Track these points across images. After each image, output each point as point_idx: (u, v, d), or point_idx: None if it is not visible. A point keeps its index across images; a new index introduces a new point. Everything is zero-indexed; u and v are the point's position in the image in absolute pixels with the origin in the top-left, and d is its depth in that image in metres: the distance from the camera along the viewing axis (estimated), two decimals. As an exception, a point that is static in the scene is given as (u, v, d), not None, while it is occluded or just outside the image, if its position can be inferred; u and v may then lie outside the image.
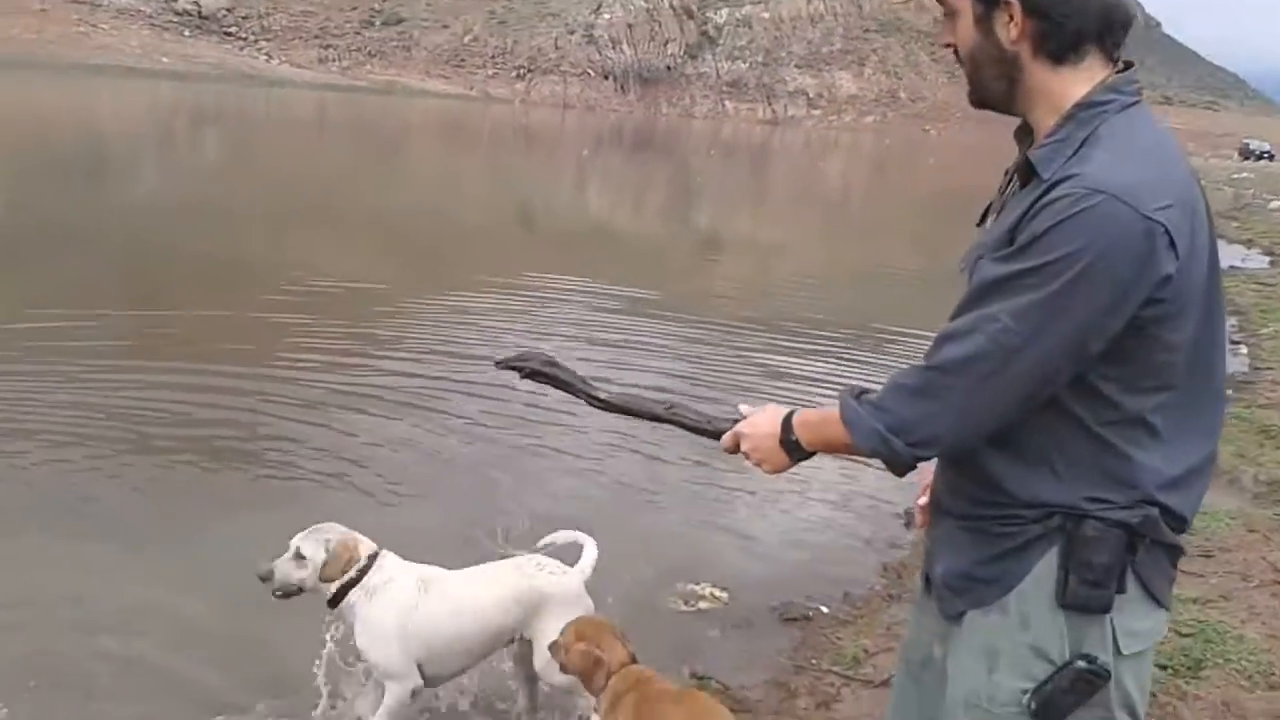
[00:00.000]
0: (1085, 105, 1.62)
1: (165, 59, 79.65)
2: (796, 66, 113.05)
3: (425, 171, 30.18)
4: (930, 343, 1.67)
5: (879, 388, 1.72)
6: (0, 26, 76.12)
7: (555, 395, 7.01)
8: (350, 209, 17.79)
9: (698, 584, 4.58)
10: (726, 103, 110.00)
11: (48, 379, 6.78)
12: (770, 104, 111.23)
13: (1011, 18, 1.63)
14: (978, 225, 1.85)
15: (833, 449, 1.81)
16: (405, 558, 3.35)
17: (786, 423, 1.82)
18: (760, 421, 1.86)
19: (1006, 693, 1.68)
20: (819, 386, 8.10)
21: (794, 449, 1.82)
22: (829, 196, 36.31)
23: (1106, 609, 1.62)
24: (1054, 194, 1.53)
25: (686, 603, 4.49)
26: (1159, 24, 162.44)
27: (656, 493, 5.93)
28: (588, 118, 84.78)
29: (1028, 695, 1.66)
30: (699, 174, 37.69)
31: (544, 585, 3.31)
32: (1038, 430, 1.63)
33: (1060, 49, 1.63)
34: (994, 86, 1.72)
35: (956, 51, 1.75)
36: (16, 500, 5.05)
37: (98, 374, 6.95)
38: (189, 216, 15.23)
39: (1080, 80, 1.64)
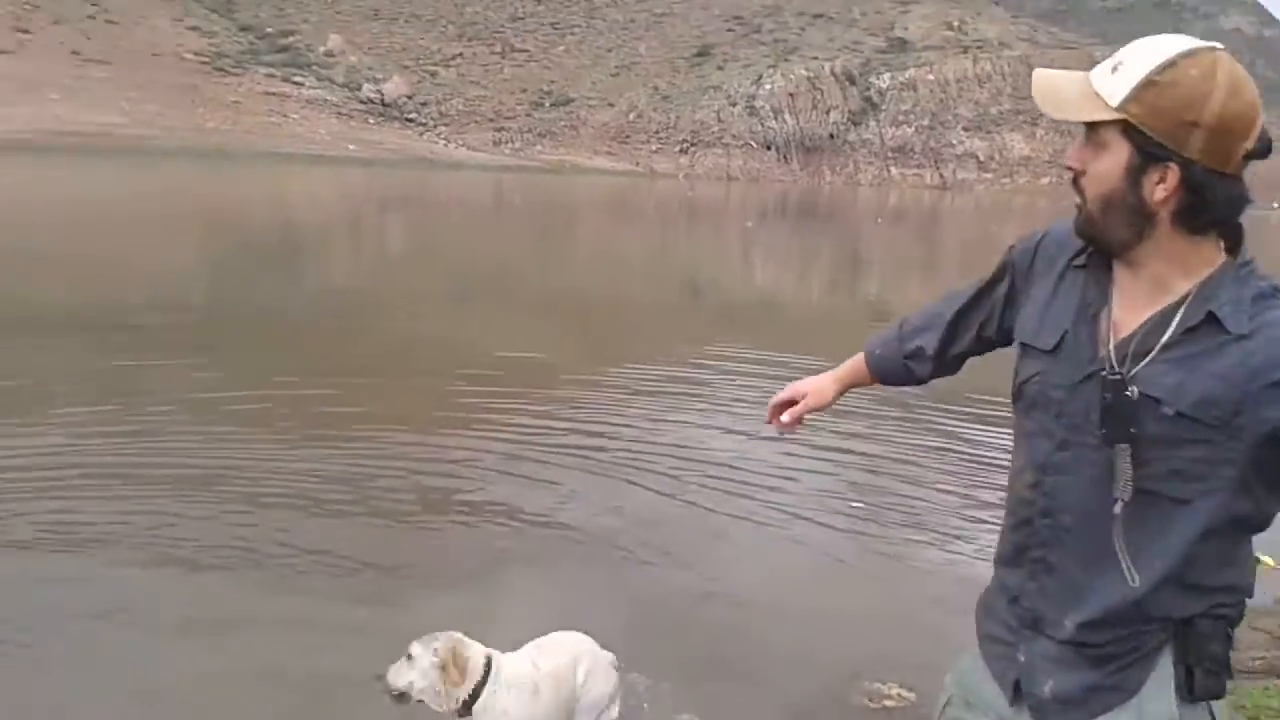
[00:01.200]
0: (1241, 265, 1.66)
1: (352, 146, 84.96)
2: (964, 129, 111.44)
3: (596, 249, 30.94)
4: None
5: None
6: (198, 118, 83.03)
7: (749, 467, 6.95)
8: (526, 288, 18.37)
9: (884, 682, 4.39)
10: (892, 169, 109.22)
11: (260, 445, 7.30)
12: (938, 168, 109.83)
13: (1163, 179, 1.61)
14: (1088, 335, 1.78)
15: None
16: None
17: None
18: None
19: None
20: (999, 454, 7.82)
21: None
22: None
23: (1224, 692, 1.71)
24: None
25: (871, 700, 4.30)
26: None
27: (848, 573, 5.80)
28: (751, 189, 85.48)
29: None
30: (867, 242, 37.32)
31: (591, 648, 3.63)
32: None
33: (1201, 225, 1.64)
34: (1119, 233, 1.68)
35: (1078, 178, 1.71)
36: (233, 546, 5.46)
37: (307, 442, 7.41)
38: (380, 298, 16.10)
39: (1208, 247, 1.67)
